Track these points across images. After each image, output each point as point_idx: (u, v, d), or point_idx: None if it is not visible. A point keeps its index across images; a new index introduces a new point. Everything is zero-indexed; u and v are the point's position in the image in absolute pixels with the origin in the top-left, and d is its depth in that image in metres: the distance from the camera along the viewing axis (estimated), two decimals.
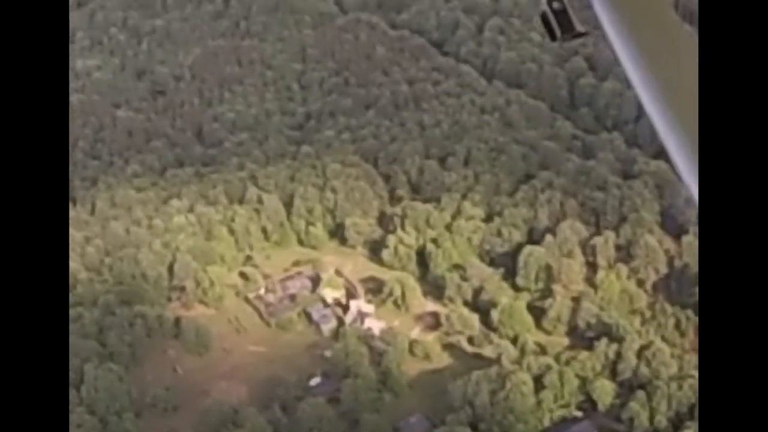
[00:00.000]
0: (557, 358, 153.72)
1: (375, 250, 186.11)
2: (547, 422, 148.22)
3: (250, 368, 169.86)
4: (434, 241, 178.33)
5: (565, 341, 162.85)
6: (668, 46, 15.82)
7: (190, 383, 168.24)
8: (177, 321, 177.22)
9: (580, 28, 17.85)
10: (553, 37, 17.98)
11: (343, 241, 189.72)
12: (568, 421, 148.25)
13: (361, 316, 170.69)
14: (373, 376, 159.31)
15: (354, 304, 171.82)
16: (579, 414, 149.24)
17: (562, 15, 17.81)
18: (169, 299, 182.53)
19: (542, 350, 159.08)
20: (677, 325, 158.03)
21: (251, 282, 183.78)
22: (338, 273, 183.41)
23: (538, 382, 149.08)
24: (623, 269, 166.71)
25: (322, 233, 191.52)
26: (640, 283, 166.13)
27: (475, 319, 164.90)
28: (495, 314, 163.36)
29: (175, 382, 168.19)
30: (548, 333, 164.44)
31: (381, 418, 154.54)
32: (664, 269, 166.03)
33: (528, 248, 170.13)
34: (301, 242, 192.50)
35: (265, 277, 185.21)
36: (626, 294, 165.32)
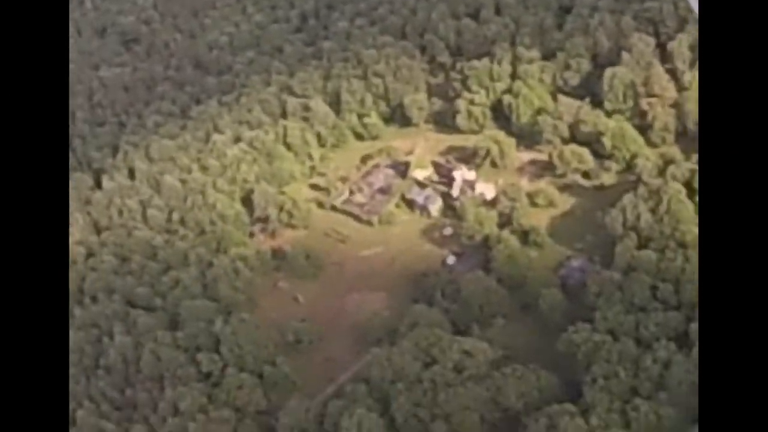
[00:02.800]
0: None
1: (441, 121, 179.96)
2: None
3: (375, 273, 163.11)
4: (508, 92, 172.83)
5: (680, 148, 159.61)
6: None
7: (320, 308, 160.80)
8: (275, 252, 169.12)
9: None
10: None
11: (404, 122, 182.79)
12: None
13: (469, 184, 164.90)
14: (509, 238, 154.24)
15: (458, 175, 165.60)
16: None
17: None
18: (251, 234, 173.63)
19: (665, 162, 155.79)
20: None
21: (330, 190, 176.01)
22: (411, 154, 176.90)
23: (690, 188, 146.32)
24: None
25: (378, 121, 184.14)
26: None
27: (585, 152, 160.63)
28: (606, 141, 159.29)
29: (304, 312, 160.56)
30: (656, 146, 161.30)
31: (539, 273, 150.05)
32: None
33: (609, 70, 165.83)
34: (359, 137, 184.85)
35: (342, 180, 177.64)
36: None
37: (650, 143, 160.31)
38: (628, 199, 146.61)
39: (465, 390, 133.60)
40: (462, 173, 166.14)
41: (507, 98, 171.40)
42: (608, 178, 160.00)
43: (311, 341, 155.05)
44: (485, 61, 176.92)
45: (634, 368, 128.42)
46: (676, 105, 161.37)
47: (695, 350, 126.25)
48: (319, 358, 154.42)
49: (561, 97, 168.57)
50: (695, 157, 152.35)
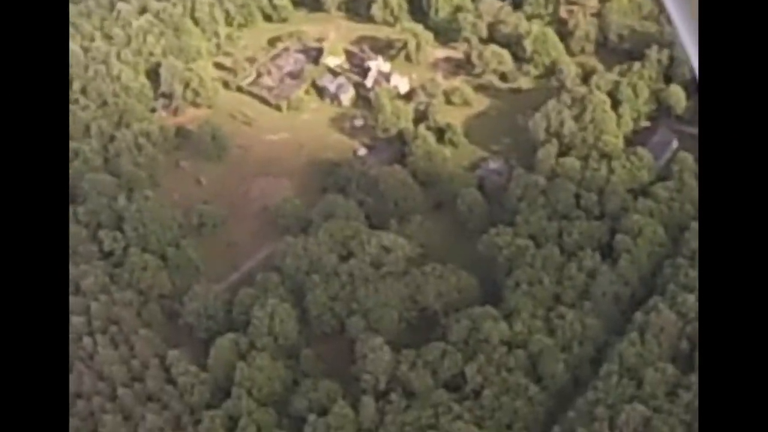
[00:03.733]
0: (623, 74, 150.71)
1: (353, 9, 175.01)
2: (629, 133, 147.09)
3: (281, 159, 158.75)
4: None
5: (598, 58, 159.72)
6: None
7: (223, 191, 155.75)
8: (179, 130, 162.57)
9: None
10: None
11: (315, 7, 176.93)
12: (648, 129, 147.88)
13: (384, 76, 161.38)
14: (425, 134, 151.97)
15: (373, 65, 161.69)
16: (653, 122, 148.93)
17: None
18: (153, 110, 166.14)
19: (585, 71, 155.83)
20: None
21: (237, 70, 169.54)
22: (321, 40, 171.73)
23: (613, 99, 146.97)
24: None
25: (288, 3, 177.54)
26: None
27: (505, 54, 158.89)
28: (527, 45, 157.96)
29: (207, 194, 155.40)
30: (575, 54, 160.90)
31: (455, 172, 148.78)
32: None
33: None
34: (268, 18, 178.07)
35: (250, 61, 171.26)
36: (633, 2, 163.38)
37: (570, 51, 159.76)
38: (551, 104, 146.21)
39: (383, 286, 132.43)
40: (377, 64, 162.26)
41: None
42: (525, 83, 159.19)
43: (215, 225, 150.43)
44: None
45: (557, 275, 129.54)
46: (598, 15, 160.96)
47: (621, 262, 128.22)
48: (222, 243, 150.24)
49: None
50: (617, 68, 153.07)
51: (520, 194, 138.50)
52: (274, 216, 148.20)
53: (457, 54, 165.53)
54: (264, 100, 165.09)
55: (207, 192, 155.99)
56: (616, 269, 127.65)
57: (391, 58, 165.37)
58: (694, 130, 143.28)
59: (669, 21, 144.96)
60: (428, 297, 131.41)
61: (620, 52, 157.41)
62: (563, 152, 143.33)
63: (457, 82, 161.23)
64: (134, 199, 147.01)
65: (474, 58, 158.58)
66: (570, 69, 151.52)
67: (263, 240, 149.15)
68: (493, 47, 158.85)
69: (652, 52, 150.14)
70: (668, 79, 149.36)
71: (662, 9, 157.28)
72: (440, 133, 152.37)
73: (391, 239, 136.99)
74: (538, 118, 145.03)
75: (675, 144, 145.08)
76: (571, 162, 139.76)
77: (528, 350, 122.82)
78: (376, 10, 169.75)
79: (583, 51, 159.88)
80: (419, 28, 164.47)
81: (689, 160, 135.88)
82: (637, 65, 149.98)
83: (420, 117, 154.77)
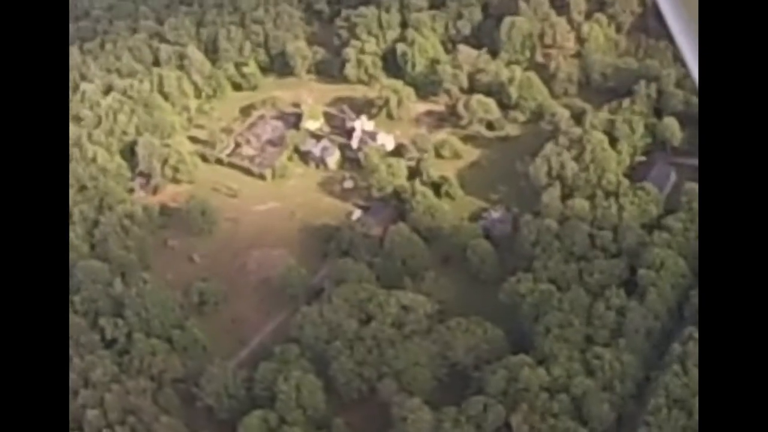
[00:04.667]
0: (613, 111, 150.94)
1: (325, 71, 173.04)
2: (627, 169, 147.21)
3: (274, 229, 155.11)
4: (400, 40, 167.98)
5: (583, 99, 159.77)
6: None
7: (218, 267, 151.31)
8: (162, 208, 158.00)
9: None
10: None
11: (285, 72, 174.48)
12: (644, 164, 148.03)
13: (370, 135, 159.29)
14: (422, 189, 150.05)
15: (357, 125, 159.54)
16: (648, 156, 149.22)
17: None
18: (131, 190, 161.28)
19: (573, 112, 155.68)
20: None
21: (214, 142, 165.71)
22: (297, 105, 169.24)
23: (610, 136, 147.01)
24: (602, 18, 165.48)
25: (256, 71, 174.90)
26: (619, 28, 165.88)
27: (491, 103, 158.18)
28: (512, 91, 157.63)
29: (202, 271, 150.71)
30: (558, 96, 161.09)
31: (457, 225, 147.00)
32: (637, 9, 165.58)
33: (508, 20, 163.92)
34: (237, 87, 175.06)
35: (225, 131, 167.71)
36: (610, 40, 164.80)
37: (553, 94, 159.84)
38: (550, 148, 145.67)
39: (411, 345, 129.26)
40: (361, 123, 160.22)
41: (401, 47, 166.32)
42: (513, 129, 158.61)
43: (216, 302, 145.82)
44: (372, 8, 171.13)
45: (586, 316, 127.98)
46: (578, 56, 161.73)
47: (648, 296, 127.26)
48: (226, 320, 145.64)
49: (460, 46, 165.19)
50: (606, 107, 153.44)
51: (533, 240, 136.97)
52: (280, 286, 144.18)
53: (439, 107, 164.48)
54: (247, 171, 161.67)
55: (202, 269, 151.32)
56: (645, 304, 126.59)
57: (372, 117, 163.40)
58: (691, 161, 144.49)
59: (655, 52, 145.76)
60: (458, 352, 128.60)
61: (604, 90, 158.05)
62: (567, 194, 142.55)
63: (443, 134, 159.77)
64: (131, 284, 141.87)
65: (460, 109, 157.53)
66: (562, 111, 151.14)
67: (268, 312, 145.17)
68: (479, 97, 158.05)
69: (641, 87, 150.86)
70: (658, 113, 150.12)
71: (640, 45, 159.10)
72: (436, 188, 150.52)
73: (409, 298, 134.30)
74: (539, 163, 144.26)
75: (673, 176, 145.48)
76: (580, 203, 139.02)
77: (570, 394, 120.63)
78: (350, 69, 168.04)
79: (566, 93, 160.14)
80: (399, 84, 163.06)
81: (696, 190, 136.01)
82: (626, 102, 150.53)
83: (413, 173, 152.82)
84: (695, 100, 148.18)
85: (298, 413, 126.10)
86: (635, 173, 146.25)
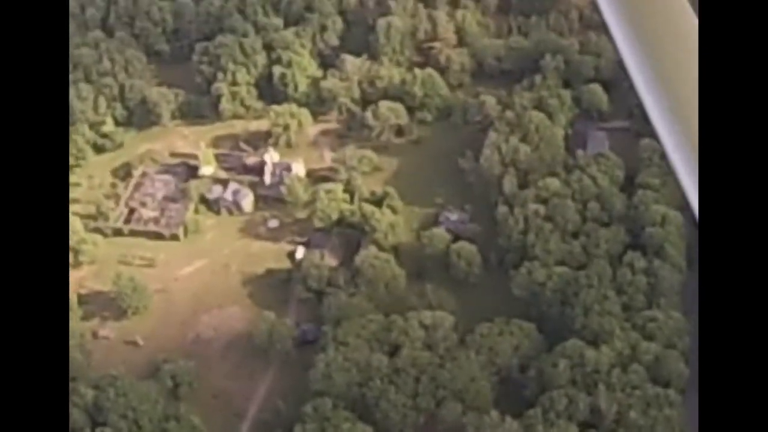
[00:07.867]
0: (528, 90, 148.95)
1: (192, 112, 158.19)
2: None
3: (214, 288, 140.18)
4: (274, 63, 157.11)
5: (484, 86, 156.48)
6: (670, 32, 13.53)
7: (170, 343, 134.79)
8: (79, 298, 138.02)
9: None
10: None
11: (146, 123, 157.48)
12: (575, 134, 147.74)
13: (283, 167, 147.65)
14: (371, 209, 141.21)
15: (268, 159, 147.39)
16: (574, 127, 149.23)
17: None
18: None
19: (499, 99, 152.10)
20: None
21: (104, 213, 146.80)
22: (176, 154, 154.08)
23: (546, 112, 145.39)
24: (469, 4, 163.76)
25: (113, 128, 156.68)
26: (485, 11, 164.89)
27: (399, 107, 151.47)
28: (417, 90, 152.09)
29: (152, 354, 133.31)
30: (454, 88, 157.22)
31: (420, 234, 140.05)
32: None
33: (383, 21, 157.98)
34: (100, 149, 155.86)
35: (110, 198, 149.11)
36: (481, 25, 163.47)
37: (450, 86, 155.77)
38: (493, 136, 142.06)
39: (459, 361, 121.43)
40: (271, 156, 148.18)
41: (278, 69, 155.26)
42: (424, 131, 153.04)
43: (190, 383, 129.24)
44: (229, 36, 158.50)
45: (615, 286, 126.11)
46: (464, 45, 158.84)
47: (667, 252, 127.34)
48: (207, 397, 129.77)
49: (344, 56, 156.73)
50: (518, 86, 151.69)
51: (522, 228, 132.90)
52: (260, 347, 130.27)
53: (332, 125, 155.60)
54: (155, 235, 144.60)
55: (153, 352, 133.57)
56: (668, 260, 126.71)
57: (273, 147, 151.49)
58: (620, 124, 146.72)
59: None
60: (506, 356, 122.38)
61: (498, 74, 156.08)
62: (523, 178, 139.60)
63: (350, 150, 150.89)
64: (104, 390, 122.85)
65: (368, 119, 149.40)
66: (489, 99, 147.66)
67: (250, 376, 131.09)
68: (388, 103, 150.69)
69: (547, 62, 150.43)
70: (567, 83, 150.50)
71: (510, 25, 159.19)
72: (377, 204, 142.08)
73: (428, 316, 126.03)
74: (488, 153, 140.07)
75: (606, 142, 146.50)
76: (552, 182, 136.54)
77: (643, 363, 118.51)
78: (225, 104, 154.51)
79: (461, 84, 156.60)
80: (293, 107, 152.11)
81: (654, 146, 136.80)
82: (538, 78, 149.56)
83: (350, 194, 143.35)
84: (604, 63, 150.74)
85: None
86: (572, 145, 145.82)
